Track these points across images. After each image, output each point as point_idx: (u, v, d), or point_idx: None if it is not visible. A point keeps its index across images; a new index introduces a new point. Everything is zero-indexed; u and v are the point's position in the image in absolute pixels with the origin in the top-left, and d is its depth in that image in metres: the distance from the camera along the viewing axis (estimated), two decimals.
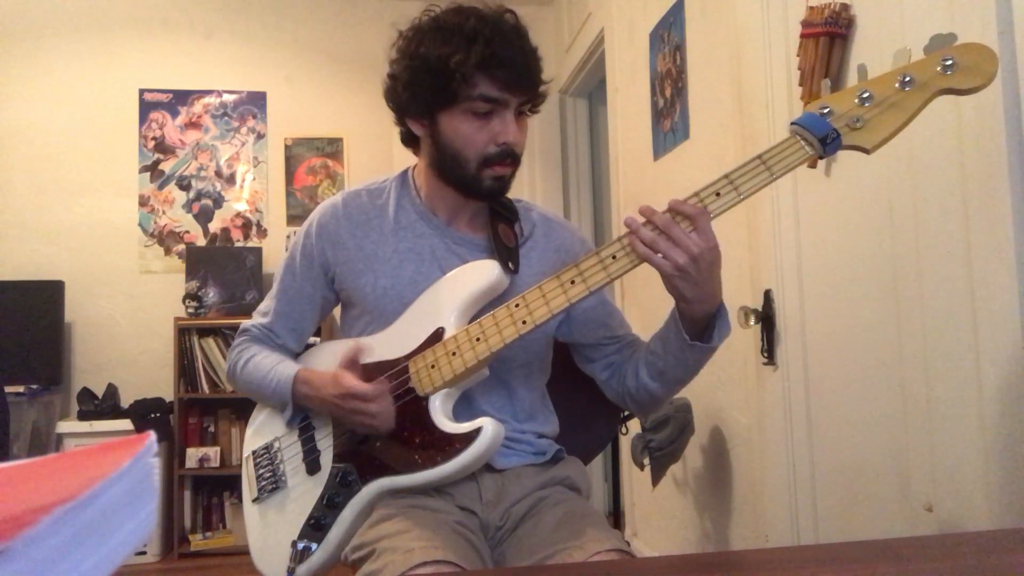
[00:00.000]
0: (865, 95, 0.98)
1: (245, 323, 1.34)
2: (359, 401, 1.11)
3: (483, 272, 1.17)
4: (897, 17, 1.35)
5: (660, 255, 1.00)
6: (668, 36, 2.52)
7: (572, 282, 1.05)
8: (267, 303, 1.33)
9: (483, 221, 1.26)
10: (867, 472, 1.48)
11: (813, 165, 1.53)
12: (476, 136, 1.14)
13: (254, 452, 1.30)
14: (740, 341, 1.97)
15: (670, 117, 2.50)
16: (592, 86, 3.83)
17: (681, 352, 1.11)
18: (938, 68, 0.96)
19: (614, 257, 1.04)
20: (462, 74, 1.10)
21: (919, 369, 1.32)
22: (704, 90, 2.25)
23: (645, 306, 2.69)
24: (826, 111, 0.99)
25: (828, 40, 1.49)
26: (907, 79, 0.96)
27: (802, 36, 1.55)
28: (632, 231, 1.01)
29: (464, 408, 1.17)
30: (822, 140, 0.97)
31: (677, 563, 0.73)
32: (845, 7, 1.49)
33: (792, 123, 1.00)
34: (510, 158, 1.16)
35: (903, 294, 1.36)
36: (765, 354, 1.82)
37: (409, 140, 1.27)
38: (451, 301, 1.16)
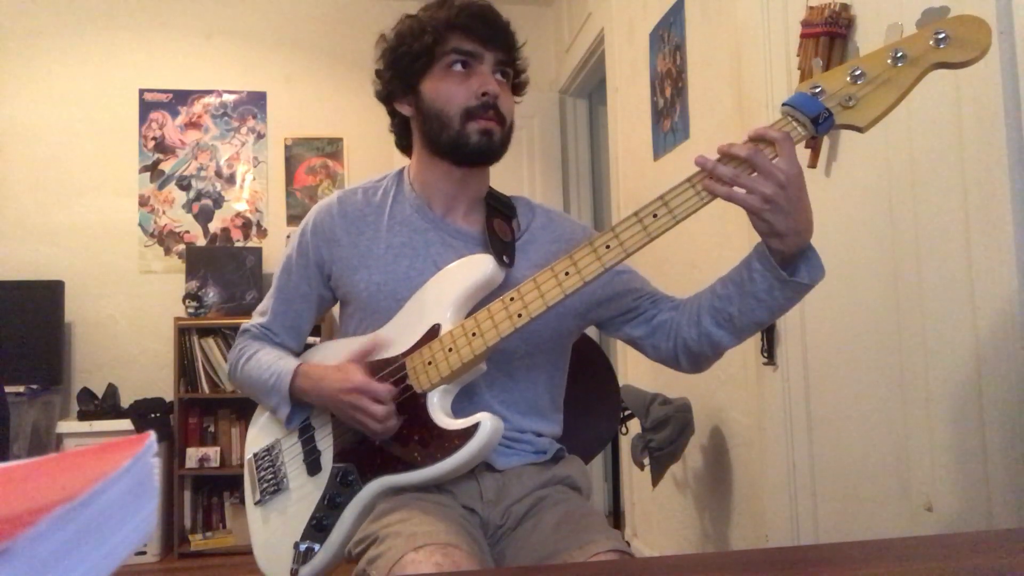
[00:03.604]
0: (857, 72, 0.95)
1: (245, 324, 1.35)
2: (367, 399, 1.10)
3: (477, 266, 1.16)
4: (897, 17, 1.35)
5: (745, 191, 0.95)
6: (668, 36, 2.52)
7: (566, 273, 1.04)
8: (265, 303, 1.34)
9: (478, 215, 1.26)
10: (867, 472, 1.48)
11: (813, 164, 1.53)
12: (456, 90, 1.18)
13: (255, 455, 1.30)
14: None
15: (670, 117, 2.50)
16: (592, 86, 3.83)
17: (770, 292, 1.03)
18: (931, 42, 0.93)
19: (607, 247, 1.03)
20: (433, 33, 1.17)
21: (919, 369, 1.32)
22: (704, 90, 2.25)
23: None
24: (818, 90, 0.96)
25: (828, 40, 1.49)
26: (899, 55, 0.94)
27: (802, 36, 1.55)
28: (708, 171, 0.96)
29: (465, 402, 1.17)
30: (814, 120, 0.95)
31: (677, 563, 0.73)
32: (845, 7, 1.49)
33: (784, 104, 0.97)
34: (493, 110, 1.18)
35: (903, 294, 1.36)
36: (765, 354, 1.82)
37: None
38: (446, 296, 1.15)
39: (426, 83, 1.20)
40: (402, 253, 1.22)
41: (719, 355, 1.17)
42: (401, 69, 1.22)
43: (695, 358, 1.17)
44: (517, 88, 1.27)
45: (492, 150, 1.20)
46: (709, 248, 2.20)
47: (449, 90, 1.18)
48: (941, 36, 0.92)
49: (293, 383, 1.21)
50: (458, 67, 1.18)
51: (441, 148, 1.21)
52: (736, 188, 0.95)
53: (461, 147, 1.19)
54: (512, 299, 1.08)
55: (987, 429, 1.17)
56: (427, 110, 1.20)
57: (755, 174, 0.95)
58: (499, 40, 1.19)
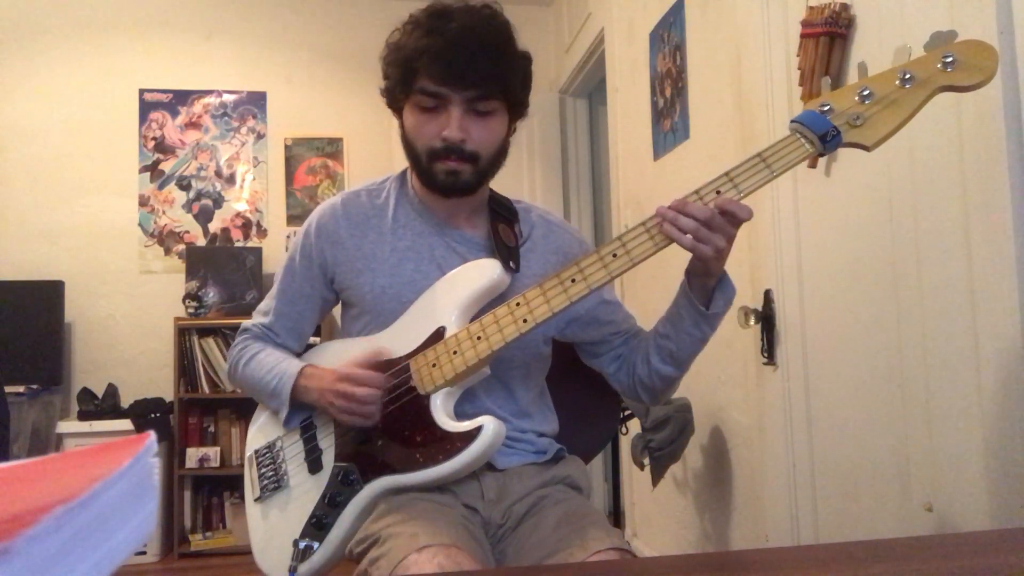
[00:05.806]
0: (865, 92, 0.98)
1: (245, 323, 1.34)
2: (351, 384, 1.11)
3: (484, 271, 1.16)
4: (897, 17, 1.35)
5: (701, 242, 1.01)
6: (668, 36, 2.52)
7: (572, 280, 1.05)
8: (267, 303, 1.33)
9: (482, 219, 1.26)
10: (867, 472, 1.48)
11: (813, 165, 1.53)
12: (422, 130, 1.16)
13: (256, 452, 1.30)
14: (740, 341, 1.97)
15: (670, 117, 2.50)
16: (592, 86, 3.83)
17: (697, 326, 1.12)
18: (938, 65, 0.95)
19: (614, 255, 1.04)
20: (408, 66, 1.14)
21: (919, 369, 1.32)
22: (704, 90, 2.25)
23: (646, 306, 2.69)
24: (826, 108, 0.99)
25: (828, 40, 1.49)
26: (907, 76, 0.96)
27: (802, 36, 1.55)
28: (668, 220, 1.02)
29: (465, 407, 1.17)
30: (822, 138, 0.97)
31: (677, 563, 0.73)
32: (845, 7, 1.49)
33: (792, 121, 1.00)
34: (456, 154, 1.15)
35: (903, 294, 1.36)
36: (765, 354, 1.82)
37: None
38: (452, 300, 1.15)
39: (405, 109, 1.19)
40: (407, 257, 1.22)
41: (672, 388, 1.24)
42: (388, 84, 1.21)
43: (651, 392, 1.24)
44: (516, 111, 1.20)
45: (460, 188, 1.18)
46: None
47: (417, 128, 1.17)
48: (949, 59, 0.95)
49: (297, 383, 1.21)
50: (426, 106, 1.15)
51: (416, 175, 1.23)
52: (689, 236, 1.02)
53: (429, 182, 1.19)
54: (518, 304, 1.08)
55: (987, 429, 1.17)
56: (403, 136, 1.21)
57: (712, 229, 1.02)
58: (467, 79, 1.11)
